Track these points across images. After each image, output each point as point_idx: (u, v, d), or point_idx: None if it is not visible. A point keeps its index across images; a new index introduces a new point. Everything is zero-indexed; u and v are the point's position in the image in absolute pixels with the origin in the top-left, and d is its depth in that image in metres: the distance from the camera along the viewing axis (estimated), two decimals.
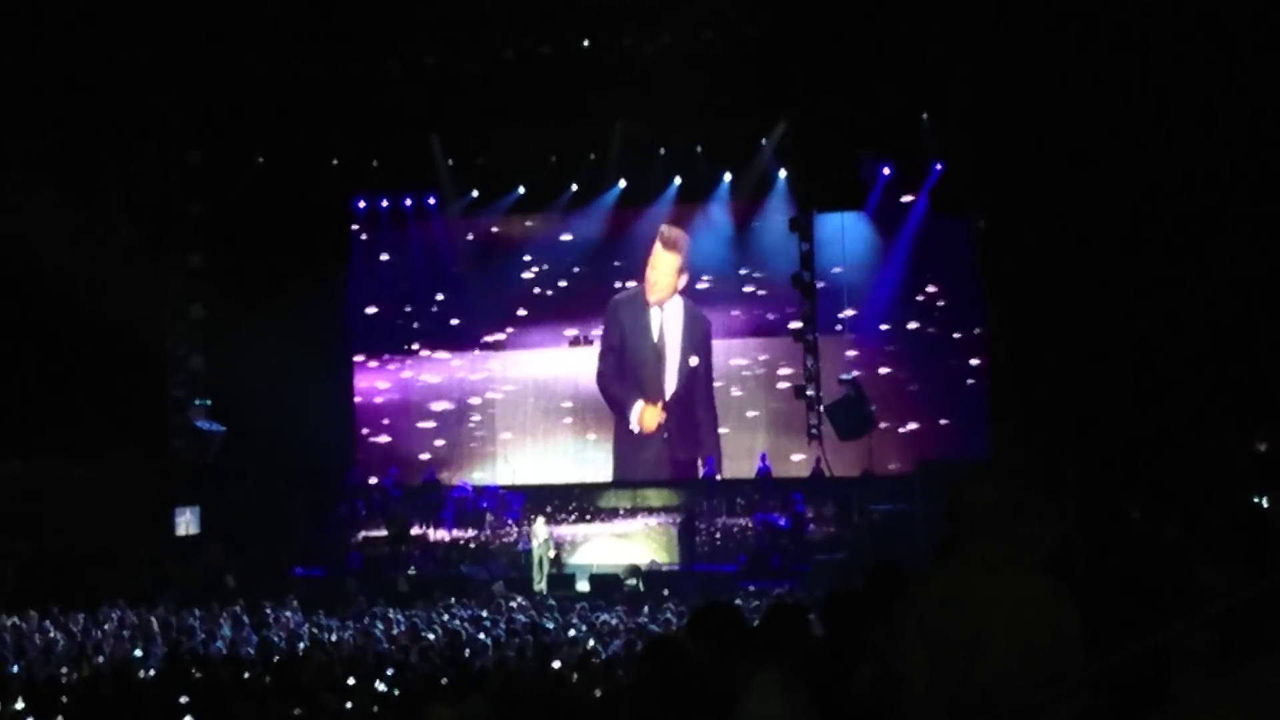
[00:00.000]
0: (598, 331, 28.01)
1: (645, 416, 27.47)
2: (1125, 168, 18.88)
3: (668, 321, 27.59)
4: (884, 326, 26.47)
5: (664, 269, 27.54)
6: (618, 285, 27.84)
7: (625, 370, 27.71)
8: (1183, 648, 4.03)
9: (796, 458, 26.43)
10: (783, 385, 26.76)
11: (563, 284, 28.09)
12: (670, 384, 27.49)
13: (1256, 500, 13.87)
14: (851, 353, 26.30)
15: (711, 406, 27.44)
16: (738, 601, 15.39)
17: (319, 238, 26.94)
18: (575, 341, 28.21)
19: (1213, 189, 18.02)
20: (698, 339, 27.45)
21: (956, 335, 25.92)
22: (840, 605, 6.20)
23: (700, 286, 27.49)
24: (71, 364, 22.67)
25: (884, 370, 26.31)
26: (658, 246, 27.51)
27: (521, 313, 28.31)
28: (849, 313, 26.42)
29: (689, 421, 27.43)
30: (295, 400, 24.99)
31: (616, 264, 27.87)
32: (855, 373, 25.36)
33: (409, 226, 28.88)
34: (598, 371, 27.94)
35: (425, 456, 28.35)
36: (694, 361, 27.40)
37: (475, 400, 28.71)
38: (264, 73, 23.46)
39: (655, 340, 27.58)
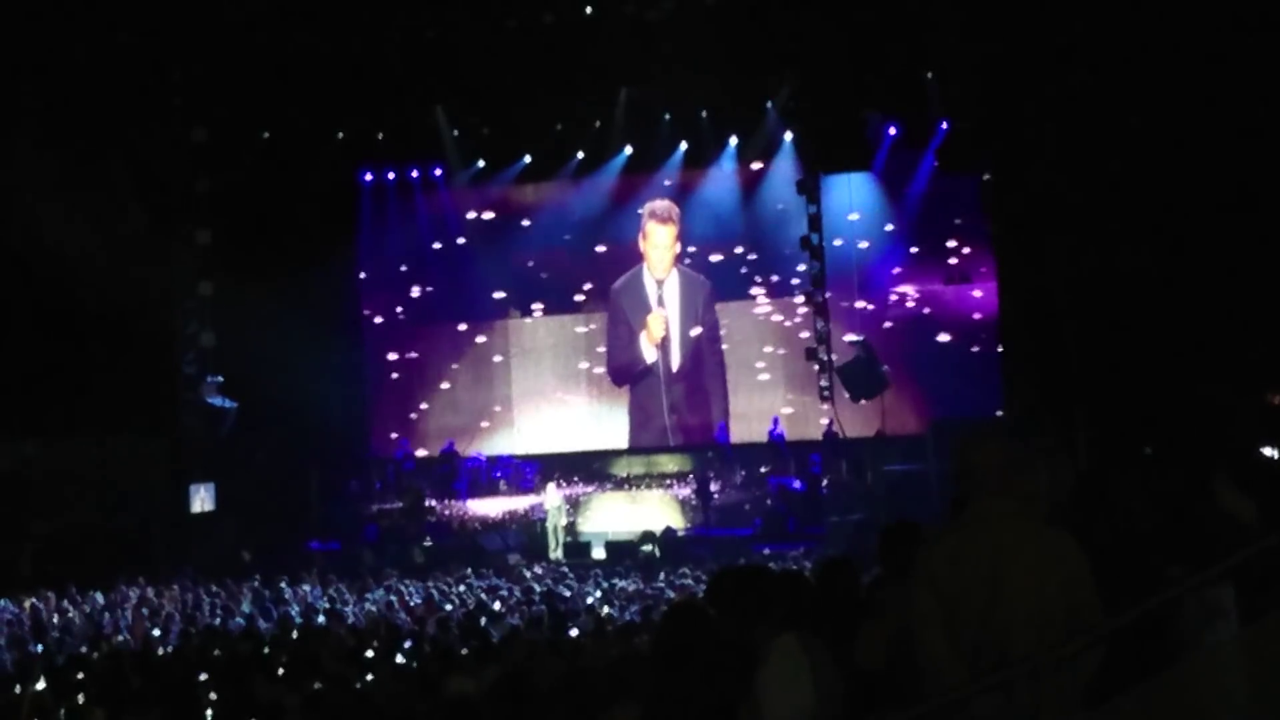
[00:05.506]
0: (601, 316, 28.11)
1: (651, 325, 27.54)
2: (1133, 119, 18.80)
3: (667, 296, 27.59)
4: (894, 286, 26.44)
5: (661, 243, 27.57)
6: (627, 250, 27.81)
7: (633, 346, 27.76)
8: (1199, 600, 4.03)
9: (809, 420, 26.42)
10: (794, 348, 26.74)
11: (571, 251, 28.06)
12: (676, 355, 27.50)
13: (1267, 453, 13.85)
14: (862, 313, 26.27)
15: (721, 371, 27.48)
16: (772, 565, 15.39)
17: (326, 211, 26.90)
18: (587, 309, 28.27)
19: (1226, 137, 17.93)
20: (699, 306, 27.47)
21: (966, 292, 25.87)
22: (835, 570, 6.22)
23: (708, 251, 27.45)
24: (82, 344, 22.65)
25: (894, 330, 26.28)
26: (651, 225, 27.58)
27: (530, 280, 28.31)
28: (858, 273, 26.36)
29: (699, 388, 27.44)
30: (307, 374, 24.95)
31: (624, 229, 27.81)
32: (865, 334, 25.35)
33: (416, 198, 28.84)
34: (608, 368, 27.97)
35: (438, 427, 28.40)
36: (696, 331, 27.41)
37: (486, 369, 28.72)
38: (268, 48, 23.43)
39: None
